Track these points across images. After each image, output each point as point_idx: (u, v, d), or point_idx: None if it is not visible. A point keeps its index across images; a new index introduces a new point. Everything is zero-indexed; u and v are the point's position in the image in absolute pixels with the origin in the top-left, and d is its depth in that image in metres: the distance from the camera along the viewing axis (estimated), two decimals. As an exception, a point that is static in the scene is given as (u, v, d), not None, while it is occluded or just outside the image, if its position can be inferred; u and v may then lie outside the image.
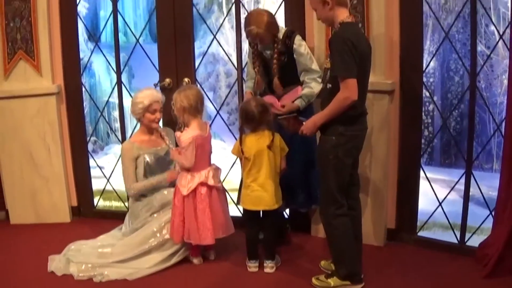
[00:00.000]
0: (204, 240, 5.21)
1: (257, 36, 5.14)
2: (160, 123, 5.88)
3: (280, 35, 5.23)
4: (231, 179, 6.29)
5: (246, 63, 5.77)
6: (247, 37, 5.30)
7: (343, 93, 4.32)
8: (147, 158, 5.61)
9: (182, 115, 5.26)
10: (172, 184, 5.56)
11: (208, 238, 5.20)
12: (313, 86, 5.11)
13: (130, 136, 6.00)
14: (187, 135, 5.17)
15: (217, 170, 5.33)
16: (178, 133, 5.30)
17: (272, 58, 5.27)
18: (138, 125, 5.87)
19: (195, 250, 5.40)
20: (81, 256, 5.40)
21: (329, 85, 4.49)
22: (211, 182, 5.23)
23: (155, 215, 5.51)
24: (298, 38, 5.22)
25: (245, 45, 5.76)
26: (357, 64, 4.29)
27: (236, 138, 5.36)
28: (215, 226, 5.23)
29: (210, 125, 5.58)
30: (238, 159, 5.32)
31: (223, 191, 5.43)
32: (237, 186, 5.60)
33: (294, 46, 5.18)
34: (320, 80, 5.04)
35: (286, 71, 5.27)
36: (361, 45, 4.34)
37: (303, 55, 5.19)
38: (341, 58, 4.29)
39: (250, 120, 5.02)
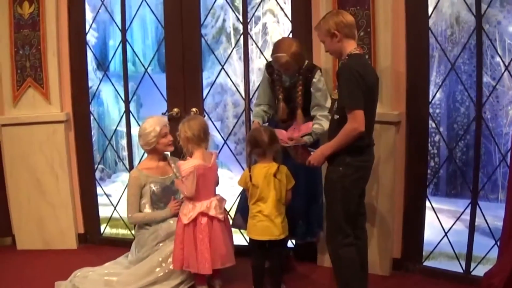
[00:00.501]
0: (202, 270, 5.20)
1: (285, 64, 5.17)
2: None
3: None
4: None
5: (256, 90, 5.80)
6: (273, 63, 5.31)
7: (350, 124, 4.34)
8: (153, 187, 5.62)
9: (186, 145, 5.28)
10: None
11: (205, 268, 5.19)
12: (323, 124, 5.11)
13: (139, 164, 6.02)
14: (188, 165, 5.18)
15: (221, 201, 5.33)
16: (180, 162, 5.33)
17: (294, 88, 5.31)
18: (146, 154, 5.88)
19: (199, 279, 5.38)
20: (88, 283, 5.41)
21: (336, 116, 4.52)
22: (212, 212, 5.22)
23: (161, 244, 5.49)
24: (318, 73, 5.26)
25: (252, 76, 5.79)
26: (364, 96, 4.31)
27: (243, 168, 5.39)
28: (214, 257, 5.21)
29: (218, 155, 5.59)
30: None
31: (226, 222, 5.41)
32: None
33: (314, 80, 5.22)
34: (328, 117, 5.07)
35: (304, 103, 5.32)
36: (368, 76, 4.38)
37: (320, 90, 5.23)
38: (348, 90, 4.32)
39: (258, 146, 5.04)
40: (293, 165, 5.09)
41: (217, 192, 5.43)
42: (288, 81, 5.36)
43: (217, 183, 5.43)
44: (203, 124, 5.35)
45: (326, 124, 5.07)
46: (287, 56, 5.12)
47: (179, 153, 5.53)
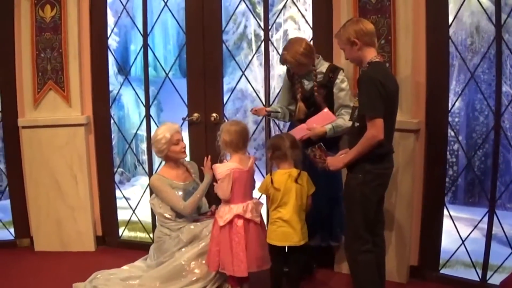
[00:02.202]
0: (237, 272, 5.19)
1: (285, 62, 5.25)
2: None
3: (324, 68, 5.33)
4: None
5: (276, 96, 5.84)
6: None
7: (370, 132, 4.35)
8: (177, 192, 5.65)
9: (225, 148, 5.32)
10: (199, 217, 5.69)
11: (241, 270, 5.18)
12: (346, 118, 5.14)
13: (160, 167, 6.04)
14: (224, 168, 5.22)
15: (258, 204, 5.32)
16: (216, 165, 5.34)
17: (312, 88, 5.35)
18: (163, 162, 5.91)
19: (233, 282, 5.38)
20: (111, 285, 5.44)
21: (356, 124, 4.53)
22: (248, 215, 5.21)
23: (183, 249, 5.50)
24: (342, 74, 5.29)
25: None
26: (385, 103, 4.32)
27: (261, 173, 5.39)
28: (250, 259, 5.20)
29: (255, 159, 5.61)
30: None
31: (261, 226, 5.37)
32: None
33: (337, 80, 5.26)
34: None
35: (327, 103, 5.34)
36: (389, 84, 4.39)
37: (344, 91, 5.25)
38: (369, 98, 4.33)
39: (279, 149, 5.06)
40: (314, 169, 5.10)
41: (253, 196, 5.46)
42: (309, 83, 5.39)
43: (253, 187, 5.43)
44: (244, 132, 5.35)
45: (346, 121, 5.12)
46: (286, 54, 5.21)
47: (218, 155, 5.53)
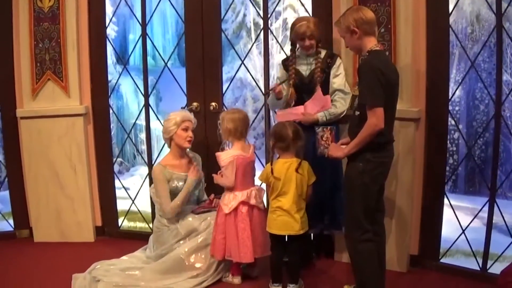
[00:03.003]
0: (243, 258, 5.28)
1: (307, 30, 5.25)
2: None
3: (322, 54, 5.38)
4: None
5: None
6: (296, 34, 5.33)
7: (370, 121, 4.33)
8: (178, 183, 5.65)
9: (227, 137, 5.38)
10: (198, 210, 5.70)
11: (247, 256, 5.27)
12: (338, 106, 5.23)
13: (159, 158, 6.04)
14: (227, 155, 5.29)
15: (260, 190, 5.38)
16: (218, 153, 5.41)
17: (310, 74, 5.38)
18: (165, 148, 5.90)
19: (235, 269, 5.47)
20: (110, 276, 5.42)
21: (357, 112, 4.52)
22: (252, 201, 5.31)
23: (181, 242, 5.53)
24: (339, 60, 5.37)
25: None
26: (385, 92, 4.30)
27: (261, 162, 5.39)
28: (255, 245, 5.30)
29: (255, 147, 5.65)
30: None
31: (264, 212, 5.42)
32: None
33: (334, 66, 5.32)
34: (346, 101, 5.16)
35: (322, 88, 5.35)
36: (389, 73, 4.36)
37: (339, 76, 5.31)
38: (369, 87, 4.31)
39: (282, 141, 5.04)
40: (316, 157, 5.10)
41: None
42: (308, 69, 5.42)
43: (254, 174, 5.48)
44: (247, 119, 5.46)
45: (341, 107, 5.21)
46: (307, 23, 5.25)
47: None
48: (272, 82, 6.05)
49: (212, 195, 5.78)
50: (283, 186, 5.01)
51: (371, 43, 4.46)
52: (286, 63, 5.54)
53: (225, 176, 5.29)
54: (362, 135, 4.39)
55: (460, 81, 6.30)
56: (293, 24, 5.38)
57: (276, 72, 5.55)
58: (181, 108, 6.20)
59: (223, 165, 5.29)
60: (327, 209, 5.54)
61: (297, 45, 5.44)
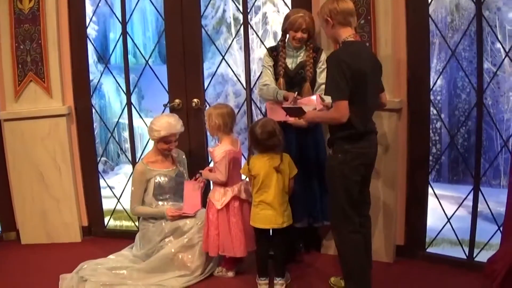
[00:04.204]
0: (237, 253, 5.34)
1: (303, 23, 5.25)
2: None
3: (310, 49, 5.38)
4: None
5: (257, 80, 5.80)
6: (292, 25, 5.30)
7: (332, 113, 4.44)
8: (159, 179, 5.68)
9: (215, 133, 5.41)
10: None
11: (241, 251, 5.33)
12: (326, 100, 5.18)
13: (142, 156, 6.05)
14: (220, 150, 5.30)
15: (247, 184, 5.39)
16: (210, 149, 5.45)
17: (301, 68, 5.38)
18: (149, 145, 5.91)
19: (229, 264, 5.52)
20: (97, 275, 5.43)
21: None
22: (243, 196, 5.36)
23: (166, 239, 5.55)
24: (324, 54, 5.34)
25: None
26: (353, 85, 4.32)
27: (245, 157, 5.39)
28: (247, 239, 5.34)
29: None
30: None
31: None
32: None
33: (320, 60, 5.34)
34: None
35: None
36: (358, 64, 4.35)
37: (325, 70, 5.24)
38: (332, 80, 4.36)
39: (257, 144, 5.08)
40: (302, 150, 5.13)
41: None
42: (294, 62, 5.42)
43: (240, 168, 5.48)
44: (232, 113, 5.46)
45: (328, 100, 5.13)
46: (304, 15, 5.26)
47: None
48: (253, 77, 6.05)
49: (198, 174, 5.71)
50: (264, 180, 5.03)
51: (346, 33, 4.48)
52: (274, 53, 5.51)
53: (219, 172, 5.30)
54: (324, 116, 4.60)
55: (441, 70, 6.30)
56: (288, 15, 5.36)
57: (256, 66, 5.52)
58: (163, 105, 6.20)
59: (216, 160, 5.30)
60: (316, 201, 5.53)
61: (287, 36, 5.43)
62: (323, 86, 5.21)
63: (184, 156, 6.01)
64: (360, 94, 4.39)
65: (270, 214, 5.05)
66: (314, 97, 5.02)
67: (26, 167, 6.49)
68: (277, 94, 5.31)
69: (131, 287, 5.30)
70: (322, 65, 5.32)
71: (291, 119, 5.02)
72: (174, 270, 5.43)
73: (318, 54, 5.38)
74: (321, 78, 5.29)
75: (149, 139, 5.92)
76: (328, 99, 4.54)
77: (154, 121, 5.67)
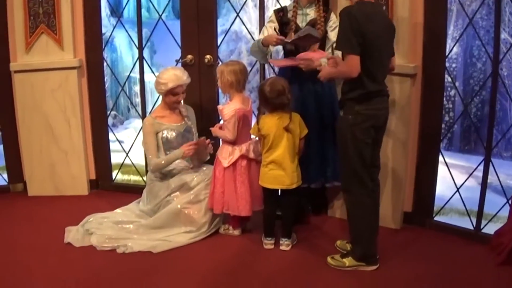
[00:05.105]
0: (242, 211, 5.33)
1: None
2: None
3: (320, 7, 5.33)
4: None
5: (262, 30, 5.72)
6: None
7: (342, 67, 4.42)
8: (167, 134, 5.64)
9: (227, 90, 5.35)
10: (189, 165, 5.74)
11: (246, 210, 5.32)
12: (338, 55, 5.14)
13: (151, 111, 6.00)
14: (229, 108, 5.26)
15: (256, 144, 5.34)
16: (220, 106, 5.40)
17: (307, 25, 5.29)
18: (159, 100, 5.88)
19: (235, 222, 5.51)
20: (103, 229, 5.46)
21: None
22: (251, 155, 5.33)
23: (172, 195, 5.53)
24: (333, 14, 5.31)
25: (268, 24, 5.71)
26: (365, 45, 4.28)
27: (255, 116, 5.36)
28: (253, 199, 5.33)
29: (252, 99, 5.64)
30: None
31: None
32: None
33: (330, 20, 5.30)
34: None
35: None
36: (370, 24, 4.31)
37: (335, 30, 5.22)
38: (344, 34, 4.33)
39: (266, 103, 5.04)
40: (316, 110, 5.14)
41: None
42: (304, 20, 5.36)
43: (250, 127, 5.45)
44: (244, 70, 5.40)
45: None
46: None
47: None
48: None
49: (203, 138, 5.71)
50: (273, 140, 5.00)
51: None
52: (280, 14, 5.45)
53: (227, 130, 5.28)
54: (337, 70, 4.52)
55: (457, 38, 6.24)
56: None
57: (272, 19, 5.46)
58: (175, 61, 6.16)
59: (226, 118, 5.27)
60: (329, 161, 5.51)
61: None
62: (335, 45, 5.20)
63: (192, 112, 5.97)
64: (372, 55, 4.35)
65: (279, 175, 5.04)
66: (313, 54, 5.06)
67: (35, 119, 6.47)
68: (258, 43, 5.34)
69: (137, 241, 5.31)
70: (332, 24, 5.29)
71: (302, 64, 5.03)
72: (180, 226, 5.43)
73: (328, 14, 5.33)
74: (333, 35, 5.24)
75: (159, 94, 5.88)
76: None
77: (160, 74, 5.63)
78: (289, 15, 5.37)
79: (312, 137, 5.27)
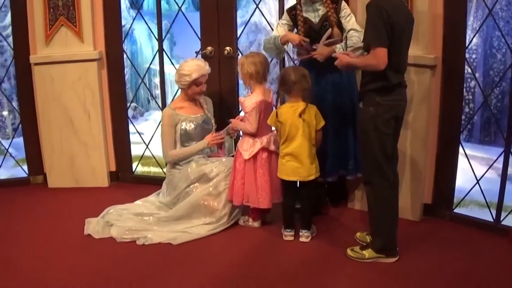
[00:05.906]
0: (262, 204, 5.34)
1: None
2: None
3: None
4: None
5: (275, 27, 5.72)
6: None
7: (369, 59, 4.38)
8: (186, 125, 5.65)
9: (248, 81, 5.35)
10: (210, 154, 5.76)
11: (265, 202, 5.34)
12: (355, 40, 5.16)
13: (171, 102, 6.00)
14: (251, 100, 5.27)
15: (276, 136, 5.32)
16: (242, 98, 5.42)
17: (320, 21, 5.31)
18: (179, 91, 5.89)
19: (255, 214, 5.52)
20: (123, 220, 5.49)
21: (365, 53, 4.52)
22: (272, 147, 5.34)
23: (191, 186, 5.55)
24: (343, 3, 5.31)
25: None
26: (393, 35, 4.28)
27: (274, 107, 5.37)
28: (273, 191, 5.35)
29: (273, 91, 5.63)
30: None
31: None
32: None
33: (342, 10, 5.28)
34: (361, 38, 4.99)
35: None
36: (397, 15, 4.30)
37: (349, 17, 5.26)
38: (373, 26, 4.29)
39: (284, 84, 5.04)
40: (335, 101, 5.14)
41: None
42: (317, 16, 5.35)
43: None
44: (266, 61, 5.42)
45: (359, 42, 5.06)
46: None
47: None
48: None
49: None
50: (289, 131, 5.01)
51: None
52: (293, 12, 5.47)
53: (248, 122, 5.30)
54: (362, 61, 4.51)
55: (477, 28, 6.20)
56: None
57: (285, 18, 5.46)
58: (195, 52, 6.17)
59: (247, 111, 5.28)
60: (350, 154, 5.51)
61: None
62: (352, 32, 5.19)
63: (211, 103, 5.98)
64: (395, 46, 4.34)
65: (295, 166, 5.05)
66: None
67: (56, 112, 6.50)
68: (275, 40, 5.36)
69: (157, 232, 5.34)
70: (344, 13, 5.28)
71: (316, 54, 5.11)
72: (200, 217, 5.46)
73: (338, 4, 5.31)
74: (350, 24, 5.25)
75: (179, 86, 5.89)
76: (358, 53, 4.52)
77: (182, 66, 5.65)
78: (304, 13, 5.38)
79: (329, 129, 5.28)
